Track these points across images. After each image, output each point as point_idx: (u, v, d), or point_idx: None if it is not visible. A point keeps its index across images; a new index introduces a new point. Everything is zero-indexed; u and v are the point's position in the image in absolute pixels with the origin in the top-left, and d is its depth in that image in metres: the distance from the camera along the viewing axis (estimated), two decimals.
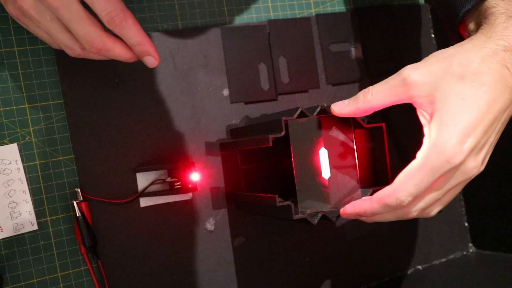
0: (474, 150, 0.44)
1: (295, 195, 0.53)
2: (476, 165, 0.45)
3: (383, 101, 0.48)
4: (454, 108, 0.44)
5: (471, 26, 0.51)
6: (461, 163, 0.44)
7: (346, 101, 0.51)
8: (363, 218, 0.51)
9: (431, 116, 0.46)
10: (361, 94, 0.49)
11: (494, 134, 0.46)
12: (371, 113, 0.50)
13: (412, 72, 0.46)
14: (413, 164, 0.46)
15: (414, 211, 0.48)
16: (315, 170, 0.57)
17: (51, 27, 0.47)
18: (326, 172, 0.55)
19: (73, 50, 0.49)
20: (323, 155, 0.55)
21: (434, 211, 0.49)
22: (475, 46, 0.46)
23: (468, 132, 0.43)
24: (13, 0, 0.46)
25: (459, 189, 0.48)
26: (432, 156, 0.44)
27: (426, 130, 0.46)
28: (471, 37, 0.48)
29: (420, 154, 0.46)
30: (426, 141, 0.46)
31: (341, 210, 0.52)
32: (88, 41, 0.47)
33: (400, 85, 0.47)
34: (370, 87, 0.49)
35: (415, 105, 0.48)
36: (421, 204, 0.47)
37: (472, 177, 0.47)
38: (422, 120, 0.47)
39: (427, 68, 0.46)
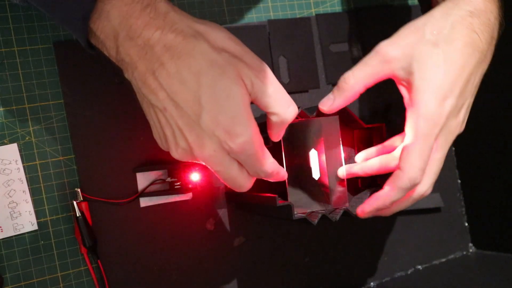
0: (454, 111, 0.48)
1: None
2: (457, 124, 0.49)
3: (367, 82, 0.50)
4: (431, 74, 0.48)
5: None
6: (446, 123, 0.48)
7: (330, 96, 0.52)
8: (383, 212, 0.52)
9: (411, 86, 0.48)
10: (342, 82, 0.51)
11: (470, 95, 0.50)
12: (357, 98, 0.52)
13: (389, 48, 0.49)
14: (407, 141, 0.48)
15: (428, 187, 0.50)
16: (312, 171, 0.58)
17: (231, 170, 0.45)
18: (316, 172, 0.56)
19: (245, 185, 0.47)
20: (313, 156, 0.56)
21: (429, 186, 0.51)
22: (444, 14, 0.49)
23: (446, 94, 0.47)
24: (187, 151, 0.44)
25: (446, 153, 0.51)
26: (421, 124, 0.47)
27: (407, 101, 0.49)
28: (439, 5, 0.51)
29: (408, 129, 0.48)
30: (410, 113, 0.48)
31: (359, 211, 0.52)
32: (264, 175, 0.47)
33: (380, 62, 0.49)
34: (350, 72, 0.51)
35: (395, 80, 0.50)
36: (431, 174, 0.50)
37: (455, 137, 0.51)
38: (404, 93, 0.50)
39: (403, 41, 0.49)
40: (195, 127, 0.42)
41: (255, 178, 0.47)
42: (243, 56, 0.44)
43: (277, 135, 0.48)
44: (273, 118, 0.46)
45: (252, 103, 0.44)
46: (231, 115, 0.42)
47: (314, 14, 0.67)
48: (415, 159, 0.47)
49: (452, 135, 0.50)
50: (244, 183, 0.46)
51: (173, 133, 0.44)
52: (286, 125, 0.47)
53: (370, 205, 0.51)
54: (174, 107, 0.42)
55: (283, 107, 0.45)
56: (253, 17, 0.65)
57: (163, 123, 0.44)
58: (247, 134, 0.42)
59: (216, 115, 0.42)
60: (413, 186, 0.48)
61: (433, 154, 0.49)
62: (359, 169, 0.56)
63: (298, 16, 0.67)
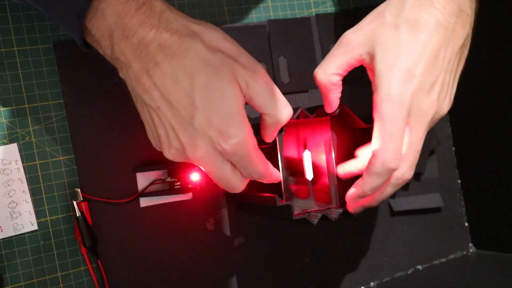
0: (421, 89, 0.47)
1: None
2: (430, 103, 0.48)
3: (337, 72, 0.51)
4: (393, 56, 0.47)
5: None
6: (414, 102, 0.47)
7: (323, 101, 0.53)
8: (369, 201, 0.52)
9: (374, 70, 0.48)
10: (315, 79, 0.51)
11: (442, 72, 0.48)
12: (339, 89, 0.52)
13: (353, 35, 0.50)
14: (375, 126, 0.48)
15: (405, 170, 0.49)
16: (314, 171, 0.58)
17: (224, 170, 0.45)
18: (309, 173, 0.56)
19: (238, 186, 0.47)
20: (306, 157, 0.56)
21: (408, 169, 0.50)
22: None
23: (409, 73, 0.46)
24: (180, 151, 0.44)
25: (423, 134, 0.49)
26: (385, 108, 0.47)
27: (372, 87, 0.49)
28: None
29: (376, 114, 0.48)
30: (375, 97, 0.48)
31: (347, 204, 0.53)
32: (258, 177, 0.47)
33: (346, 51, 0.50)
34: (318, 68, 0.51)
35: (365, 66, 0.50)
36: (408, 157, 0.49)
37: (435, 116, 0.49)
38: (371, 78, 0.50)
39: (365, 27, 0.50)
40: (188, 127, 0.42)
41: (248, 180, 0.47)
42: (238, 57, 0.44)
43: (270, 136, 0.48)
44: (268, 119, 0.46)
45: (246, 104, 0.44)
46: (224, 116, 0.42)
47: (314, 14, 0.67)
48: (385, 142, 0.47)
49: (426, 115, 0.48)
50: (237, 184, 0.46)
51: (166, 133, 0.44)
52: (280, 126, 0.47)
53: (351, 194, 0.51)
54: (168, 107, 0.42)
55: (278, 109, 0.45)
56: (253, 17, 0.65)
57: (157, 123, 0.44)
58: (240, 135, 0.42)
59: (209, 115, 0.41)
60: (389, 170, 0.47)
61: (407, 137, 0.48)
62: (352, 166, 0.56)
63: (298, 16, 0.67)
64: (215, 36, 0.44)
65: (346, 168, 0.56)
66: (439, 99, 0.49)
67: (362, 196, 0.50)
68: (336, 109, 0.53)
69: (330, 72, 0.50)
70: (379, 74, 0.47)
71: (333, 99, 0.52)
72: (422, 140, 0.49)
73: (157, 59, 0.41)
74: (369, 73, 0.50)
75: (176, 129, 0.43)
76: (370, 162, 0.48)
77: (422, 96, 0.47)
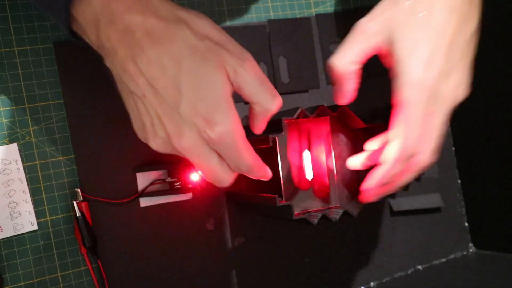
0: (442, 74, 0.47)
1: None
2: (450, 87, 0.48)
3: (354, 61, 0.50)
4: (412, 42, 0.47)
5: None
6: (435, 87, 0.47)
7: (334, 87, 0.52)
8: (388, 189, 0.51)
9: (394, 56, 0.48)
10: (331, 69, 0.51)
11: (458, 58, 0.49)
12: (358, 77, 0.51)
13: (369, 24, 0.50)
14: (398, 113, 0.48)
15: (427, 155, 0.49)
16: (315, 170, 0.58)
17: (211, 161, 0.44)
18: (309, 173, 0.56)
19: (225, 179, 0.45)
20: (306, 157, 0.56)
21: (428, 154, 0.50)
22: None
23: (430, 59, 0.47)
24: (166, 141, 0.43)
25: (444, 120, 0.49)
26: (408, 93, 0.47)
27: (392, 73, 0.48)
28: None
29: (397, 100, 0.47)
30: (396, 83, 0.48)
31: (365, 195, 0.52)
32: (249, 170, 0.45)
33: (362, 39, 0.50)
34: (333, 57, 0.51)
35: (379, 54, 0.50)
36: (429, 142, 0.48)
37: (454, 102, 0.49)
38: (388, 65, 0.50)
39: (381, 15, 0.50)
40: (174, 115, 0.41)
41: (237, 174, 0.45)
42: (226, 44, 0.43)
43: (259, 127, 0.47)
44: (257, 108, 0.45)
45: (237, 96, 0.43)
46: (210, 103, 0.41)
47: (314, 14, 0.67)
48: (407, 128, 0.47)
49: (447, 99, 0.48)
50: (224, 177, 0.45)
51: (152, 122, 0.42)
52: (269, 117, 0.46)
53: (372, 184, 0.50)
54: (154, 94, 0.41)
55: (267, 97, 0.44)
56: (253, 17, 0.65)
57: (142, 111, 0.43)
58: (227, 123, 0.41)
59: (195, 102, 0.40)
60: (410, 155, 0.47)
61: (429, 121, 0.48)
62: (368, 159, 0.54)
63: (298, 16, 0.67)
64: (203, 24, 0.43)
65: (360, 161, 0.55)
66: (456, 84, 0.49)
67: (383, 184, 0.50)
68: (351, 101, 0.52)
69: (347, 61, 0.50)
70: (400, 60, 0.47)
71: (348, 90, 0.51)
72: (443, 125, 0.49)
73: (143, 45, 0.40)
74: (386, 61, 0.50)
75: (161, 117, 0.42)
76: (392, 148, 0.48)
77: (442, 82, 0.47)
